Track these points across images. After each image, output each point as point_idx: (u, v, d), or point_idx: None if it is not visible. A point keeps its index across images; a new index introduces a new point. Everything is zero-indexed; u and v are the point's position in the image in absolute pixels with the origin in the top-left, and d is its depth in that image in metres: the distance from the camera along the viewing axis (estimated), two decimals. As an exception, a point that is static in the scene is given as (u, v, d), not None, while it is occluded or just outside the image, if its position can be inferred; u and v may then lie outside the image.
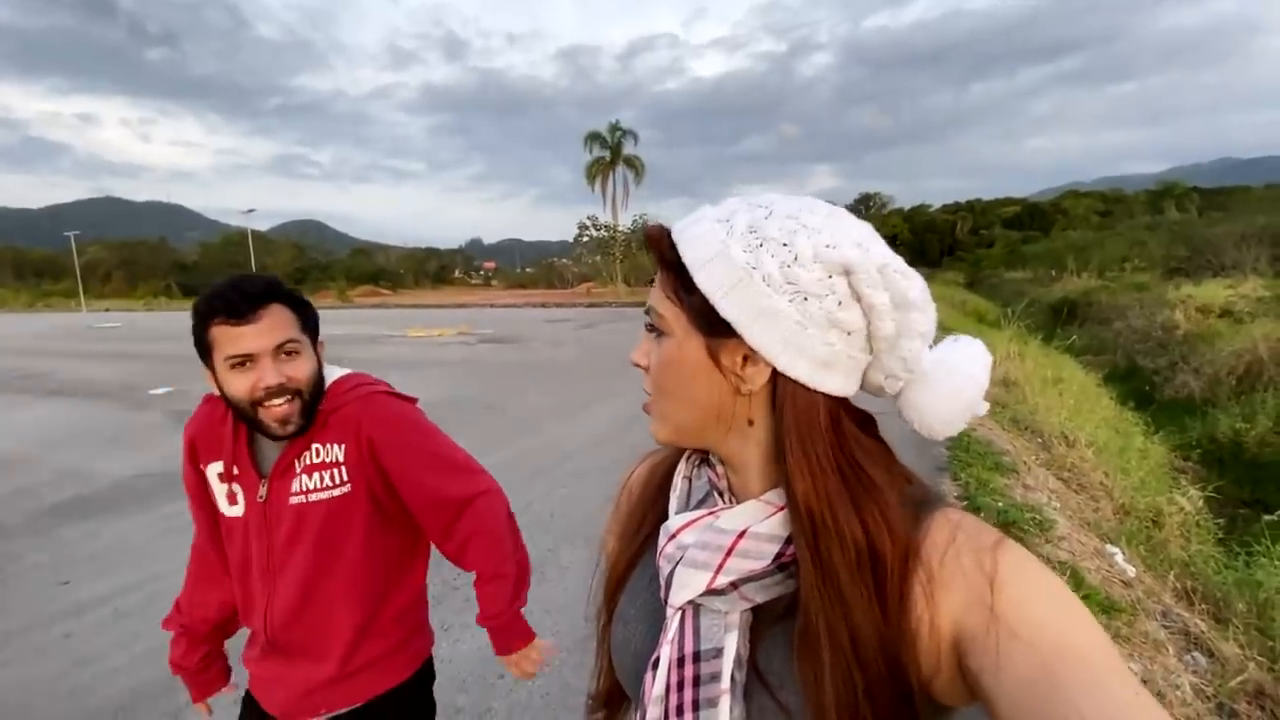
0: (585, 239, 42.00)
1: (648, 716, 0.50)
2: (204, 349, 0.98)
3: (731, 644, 0.48)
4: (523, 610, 1.15)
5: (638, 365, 0.56)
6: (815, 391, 0.48)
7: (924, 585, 0.45)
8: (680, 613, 0.51)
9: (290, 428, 0.98)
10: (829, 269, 0.46)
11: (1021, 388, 8.06)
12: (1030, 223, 63.56)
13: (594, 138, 41.49)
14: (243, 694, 1.18)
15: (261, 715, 1.13)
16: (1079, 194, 70.51)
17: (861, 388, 0.51)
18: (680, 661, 0.49)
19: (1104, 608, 2.90)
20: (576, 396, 7.90)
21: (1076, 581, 3.05)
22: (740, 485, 0.54)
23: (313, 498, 1.03)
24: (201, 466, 1.08)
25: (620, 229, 41.00)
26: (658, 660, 0.51)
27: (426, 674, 1.20)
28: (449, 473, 1.10)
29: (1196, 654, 2.76)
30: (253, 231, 39.98)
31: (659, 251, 0.52)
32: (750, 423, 0.51)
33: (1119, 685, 0.38)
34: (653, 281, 0.54)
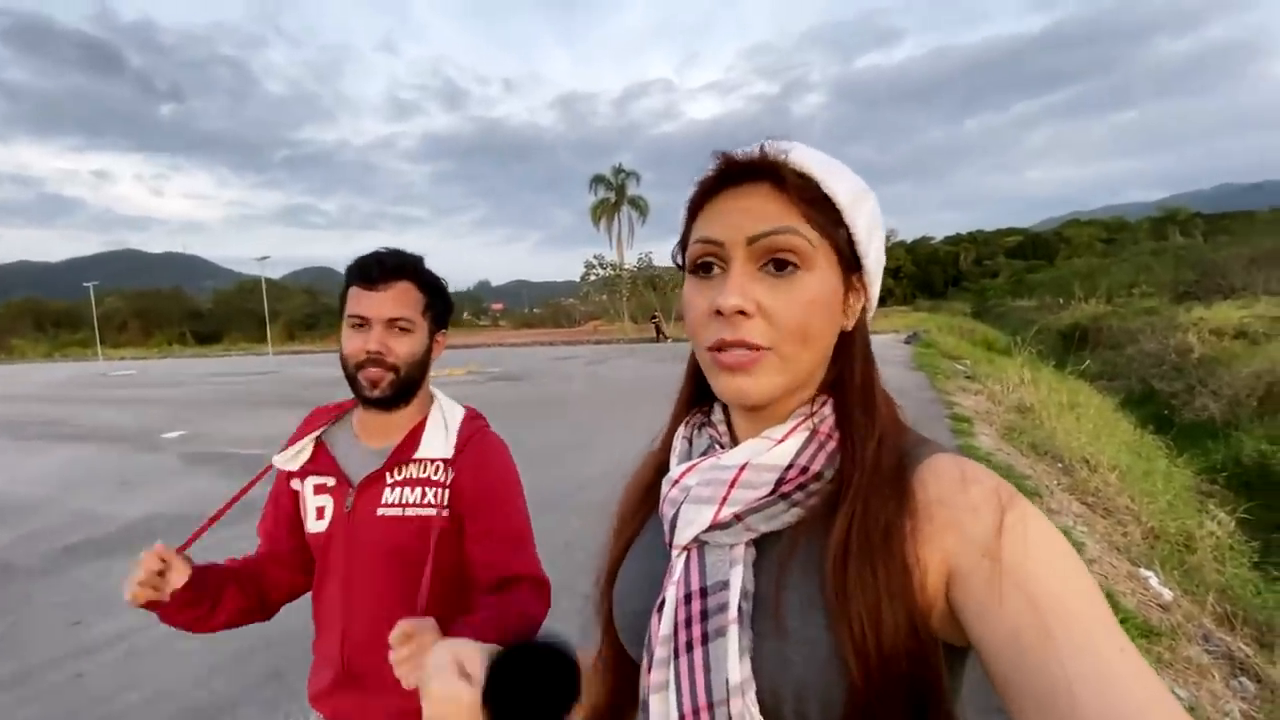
0: (592, 278, 42.44)
1: (655, 657, 0.49)
2: (340, 306, 1.04)
3: (737, 577, 0.48)
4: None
5: (740, 312, 0.48)
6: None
7: (915, 512, 0.46)
8: (685, 553, 0.51)
9: (377, 393, 1.00)
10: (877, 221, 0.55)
11: (1037, 413, 7.96)
12: (1034, 252, 63.87)
13: (599, 180, 42.48)
14: None
15: None
16: (1081, 223, 70.96)
17: None
18: (687, 599, 0.49)
19: (1142, 632, 2.79)
20: (590, 428, 7.87)
21: (1112, 605, 2.93)
22: (749, 435, 0.53)
23: (409, 512, 1.01)
24: (299, 481, 1.07)
25: (626, 267, 41.51)
26: (663, 603, 0.50)
27: None
28: (516, 545, 1.07)
29: (1244, 679, 2.64)
30: (267, 279, 40.68)
31: (786, 182, 0.49)
32: None
33: (1111, 648, 0.37)
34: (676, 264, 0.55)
